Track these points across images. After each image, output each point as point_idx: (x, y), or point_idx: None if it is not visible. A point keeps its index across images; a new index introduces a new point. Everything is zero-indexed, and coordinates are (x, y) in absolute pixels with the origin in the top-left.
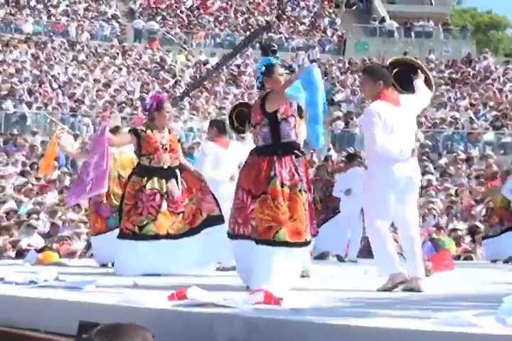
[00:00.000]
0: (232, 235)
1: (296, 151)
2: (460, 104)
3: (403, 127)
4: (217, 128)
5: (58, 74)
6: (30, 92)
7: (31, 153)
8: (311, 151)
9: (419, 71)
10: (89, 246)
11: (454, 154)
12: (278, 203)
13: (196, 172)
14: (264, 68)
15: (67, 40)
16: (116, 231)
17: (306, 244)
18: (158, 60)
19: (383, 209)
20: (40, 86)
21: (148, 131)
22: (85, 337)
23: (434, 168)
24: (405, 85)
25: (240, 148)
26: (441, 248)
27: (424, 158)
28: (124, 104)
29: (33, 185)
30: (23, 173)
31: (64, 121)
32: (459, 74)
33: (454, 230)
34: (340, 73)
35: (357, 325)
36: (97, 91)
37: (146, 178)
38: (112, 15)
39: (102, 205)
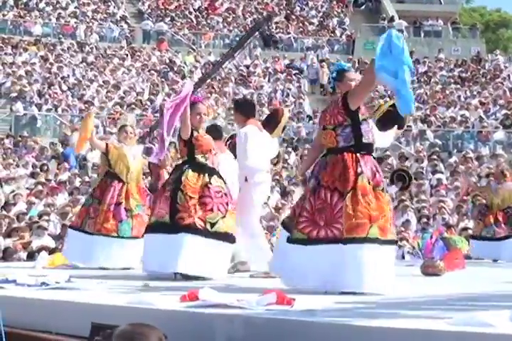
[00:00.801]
0: (306, 240)
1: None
2: (470, 103)
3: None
4: (209, 132)
5: (68, 76)
6: (40, 94)
7: (41, 154)
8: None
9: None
10: None
11: (463, 153)
12: (368, 199)
13: None
14: (335, 73)
15: (76, 41)
16: (123, 240)
17: (394, 242)
18: (167, 61)
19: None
20: (49, 88)
21: (196, 133)
22: (101, 340)
23: (445, 167)
24: (384, 127)
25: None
26: (452, 247)
27: (435, 157)
28: (133, 106)
29: (43, 186)
30: (33, 175)
31: (74, 122)
32: (469, 73)
33: (465, 229)
34: None
35: (370, 325)
36: (106, 92)
37: (207, 175)
38: (120, 17)
39: (120, 207)
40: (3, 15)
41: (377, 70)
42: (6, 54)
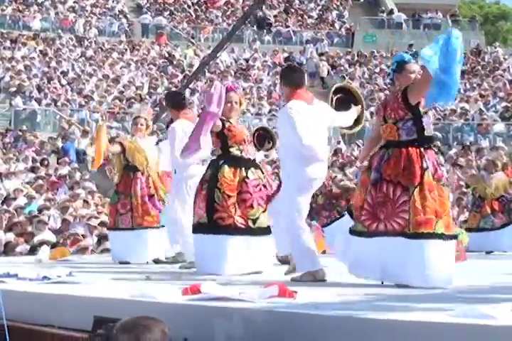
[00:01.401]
0: (366, 232)
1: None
2: (470, 96)
3: (319, 126)
4: (180, 100)
5: (67, 70)
6: (39, 89)
7: (41, 149)
8: None
9: (360, 106)
10: (100, 241)
11: (463, 144)
12: (434, 195)
13: None
14: (395, 64)
15: (75, 36)
16: (162, 229)
17: (456, 237)
18: (167, 55)
19: (303, 209)
20: (48, 82)
21: (232, 121)
22: (105, 334)
23: (445, 160)
24: (341, 110)
25: None
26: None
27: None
28: (133, 100)
29: (43, 181)
30: (33, 170)
31: (73, 117)
32: (468, 66)
33: (466, 221)
34: (349, 65)
35: (372, 317)
36: (105, 86)
37: (243, 169)
38: (119, 11)
39: (154, 198)
40: (2, 9)
41: (426, 62)
42: (4, 48)
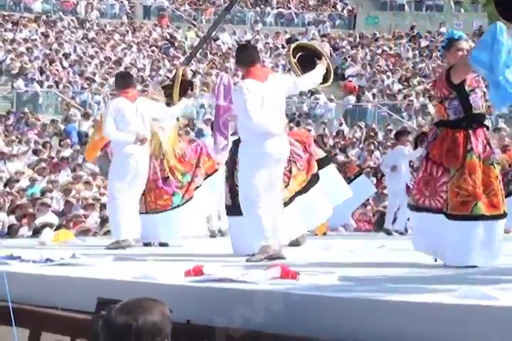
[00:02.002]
0: (415, 207)
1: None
2: None
3: (272, 102)
4: (122, 79)
5: (69, 52)
6: (41, 71)
7: (43, 131)
8: (323, 126)
9: (323, 58)
10: (102, 223)
11: None
12: (475, 177)
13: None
14: (445, 42)
15: (76, 18)
16: (177, 210)
17: (504, 216)
18: (168, 36)
19: (259, 185)
20: (50, 64)
21: None
22: (105, 315)
23: None
24: (308, 69)
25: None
26: None
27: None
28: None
29: (46, 163)
30: (35, 152)
31: (75, 99)
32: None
33: None
34: (351, 47)
35: (376, 298)
36: (107, 68)
37: None
38: None
39: (169, 181)
40: None
41: (471, 60)
42: (6, 30)
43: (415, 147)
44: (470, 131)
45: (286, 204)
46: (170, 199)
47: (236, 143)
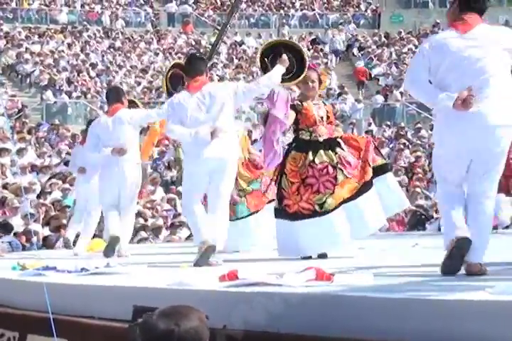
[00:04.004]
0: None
1: None
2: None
3: (197, 113)
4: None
5: (95, 62)
6: (69, 82)
7: (73, 142)
8: (351, 127)
9: (283, 56)
10: (136, 232)
11: None
12: None
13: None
14: None
15: (102, 27)
16: (243, 220)
17: None
18: (193, 43)
19: (191, 191)
20: (78, 75)
21: (304, 103)
22: (144, 322)
23: None
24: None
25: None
26: None
27: None
28: (161, 89)
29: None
30: (66, 163)
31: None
32: None
33: None
34: (377, 47)
35: (411, 298)
36: (134, 77)
37: (310, 152)
38: (144, 1)
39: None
40: (29, 4)
41: None
42: (33, 43)
43: None
44: None
45: (329, 211)
46: (232, 210)
47: (289, 144)
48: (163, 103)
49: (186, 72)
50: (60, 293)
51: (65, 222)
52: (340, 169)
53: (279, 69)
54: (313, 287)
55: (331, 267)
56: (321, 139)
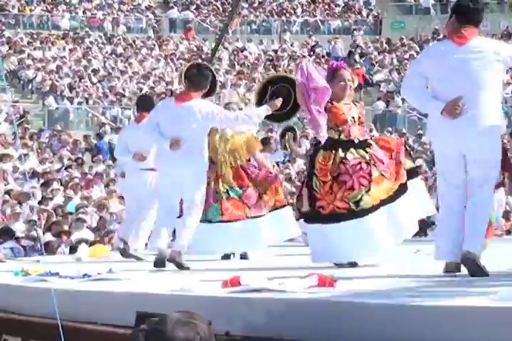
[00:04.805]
0: None
1: None
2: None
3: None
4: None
5: (97, 68)
6: (71, 87)
7: (75, 148)
8: None
9: (277, 100)
10: None
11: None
12: None
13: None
14: None
15: (103, 34)
16: (211, 224)
17: None
18: (195, 49)
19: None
20: (80, 81)
21: (334, 102)
22: (159, 331)
23: None
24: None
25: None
26: (491, 223)
27: None
28: (163, 95)
29: (79, 179)
30: (68, 169)
31: (105, 114)
32: None
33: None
34: (378, 53)
35: (414, 304)
36: (136, 83)
37: (340, 149)
38: (146, 7)
39: (208, 189)
40: (31, 10)
41: None
42: (35, 49)
43: None
44: None
45: (368, 211)
46: (204, 212)
47: (316, 145)
48: None
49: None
50: (62, 299)
51: (66, 227)
52: (374, 165)
53: (264, 112)
54: (316, 293)
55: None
56: (356, 140)
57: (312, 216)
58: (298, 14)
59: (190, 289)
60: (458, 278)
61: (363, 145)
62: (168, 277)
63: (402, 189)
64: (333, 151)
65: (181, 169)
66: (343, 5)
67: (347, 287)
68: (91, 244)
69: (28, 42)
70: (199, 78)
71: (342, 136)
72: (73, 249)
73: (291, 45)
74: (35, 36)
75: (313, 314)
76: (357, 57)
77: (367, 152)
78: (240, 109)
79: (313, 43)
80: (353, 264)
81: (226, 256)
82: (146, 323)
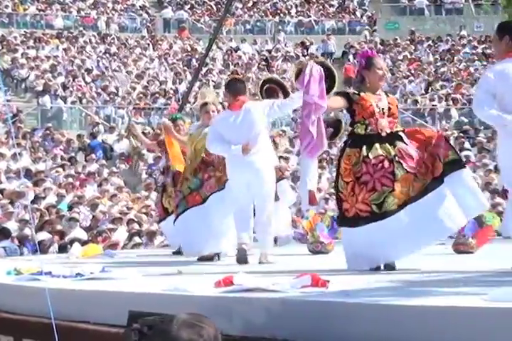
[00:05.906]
0: None
1: None
2: None
3: (234, 130)
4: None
5: (91, 67)
6: (65, 87)
7: (68, 147)
8: (346, 133)
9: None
10: (131, 237)
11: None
12: None
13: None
14: None
15: (97, 33)
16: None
17: None
18: (189, 48)
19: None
20: (73, 80)
21: (362, 94)
22: (164, 331)
23: (473, 145)
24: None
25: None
26: (484, 224)
27: (461, 134)
28: (157, 95)
29: (72, 179)
30: (62, 168)
31: (99, 113)
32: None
33: (495, 206)
34: None
35: (406, 304)
36: (130, 82)
37: (365, 147)
38: (140, 6)
39: (176, 191)
40: (25, 9)
41: None
42: (28, 48)
43: None
44: None
45: (392, 212)
46: (175, 209)
47: (345, 141)
48: (158, 109)
49: (227, 92)
50: (55, 298)
51: (59, 227)
52: (399, 162)
53: (296, 99)
54: (309, 293)
55: (324, 272)
56: (383, 133)
57: (340, 219)
58: (292, 14)
59: (184, 289)
60: (450, 278)
61: (391, 138)
62: (161, 276)
63: (435, 183)
64: (358, 149)
65: (253, 171)
66: (337, 5)
67: (340, 287)
68: (83, 243)
69: (22, 41)
70: (239, 84)
71: (369, 130)
72: (63, 248)
73: (285, 45)
74: (28, 35)
75: (306, 314)
76: (351, 57)
77: (395, 146)
78: (218, 110)
79: (308, 43)
80: (391, 267)
81: (177, 252)
82: (138, 322)
